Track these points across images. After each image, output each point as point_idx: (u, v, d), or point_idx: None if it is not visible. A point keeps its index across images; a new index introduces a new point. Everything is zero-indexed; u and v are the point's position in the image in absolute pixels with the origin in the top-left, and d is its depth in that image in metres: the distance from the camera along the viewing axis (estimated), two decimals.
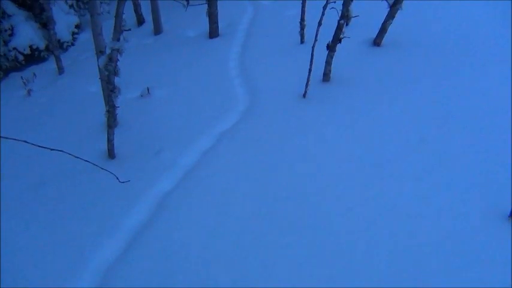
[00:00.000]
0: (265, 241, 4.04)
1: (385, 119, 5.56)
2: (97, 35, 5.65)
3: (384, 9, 7.02)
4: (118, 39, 4.65)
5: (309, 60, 6.02)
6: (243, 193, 4.69)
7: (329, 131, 5.51)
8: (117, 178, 4.04)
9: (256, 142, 5.51)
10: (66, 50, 11.73)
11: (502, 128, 5.08)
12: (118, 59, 4.80)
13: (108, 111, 5.19)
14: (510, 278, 3.40)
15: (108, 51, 4.73)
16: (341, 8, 5.74)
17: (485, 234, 3.79)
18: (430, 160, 4.77)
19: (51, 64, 10.39)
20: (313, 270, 3.70)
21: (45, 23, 10.15)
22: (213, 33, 9.40)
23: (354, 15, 5.81)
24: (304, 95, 6.27)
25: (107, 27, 5.89)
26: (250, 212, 4.42)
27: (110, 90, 5.02)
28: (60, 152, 3.49)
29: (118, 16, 4.54)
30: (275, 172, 4.93)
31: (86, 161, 3.79)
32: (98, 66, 5.19)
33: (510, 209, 3.82)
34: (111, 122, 5.28)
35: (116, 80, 4.98)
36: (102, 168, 3.95)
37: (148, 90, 7.28)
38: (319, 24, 5.70)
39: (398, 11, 6.90)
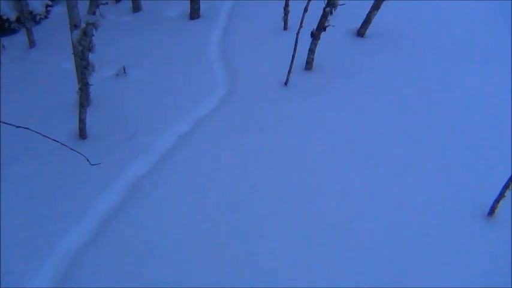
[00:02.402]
0: (242, 231, 3.93)
1: (367, 110, 5.50)
2: (72, 7, 5.35)
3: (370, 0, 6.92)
4: (94, 13, 4.40)
5: (292, 47, 5.87)
6: (220, 180, 4.56)
7: (310, 120, 5.41)
8: (88, 160, 3.83)
9: (235, 128, 5.36)
10: (38, 22, 11.14)
11: (485, 121, 5.11)
12: (93, 34, 4.55)
13: (80, 88, 4.93)
14: (488, 274, 3.41)
15: (83, 25, 4.47)
16: None
17: (464, 230, 3.79)
18: (412, 153, 4.74)
19: (22, 37, 9.88)
20: (291, 262, 3.62)
21: None
22: (194, 14, 9.11)
23: (340, 3, 5.67)
24: (285, 83, 6.14)
25: (83, 2, 5.59)
26: (227, 200, 4.29)
27: (83, 67, 4.76)
28: (28, 131, 3.27)
29: None
30: (253, 160, 4.81)
31: (54, 140, 3.55)
32: (72, 40, 4.90)
33: (490, 206, 3.82)
34: (84, 100, 5.03)
35: (91, 56, 4.73)
36: (72, 149, 3.73)
37: (124, 69, 6.99)
38: (305, 10, 5.55)
39: (384, 2, 6.81)
